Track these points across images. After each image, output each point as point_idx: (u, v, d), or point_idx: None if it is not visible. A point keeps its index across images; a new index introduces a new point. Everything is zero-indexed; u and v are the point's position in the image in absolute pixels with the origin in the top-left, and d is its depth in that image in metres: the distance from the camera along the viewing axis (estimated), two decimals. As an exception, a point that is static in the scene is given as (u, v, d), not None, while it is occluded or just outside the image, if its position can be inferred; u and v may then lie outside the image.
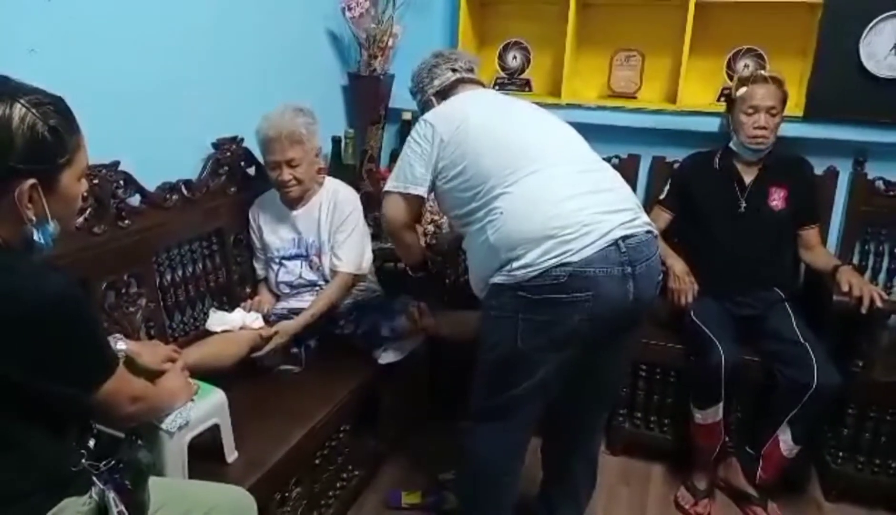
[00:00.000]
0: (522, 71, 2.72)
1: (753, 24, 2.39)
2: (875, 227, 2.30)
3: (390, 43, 2.46)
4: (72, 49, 1.52)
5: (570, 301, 1.37)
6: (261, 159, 2.02)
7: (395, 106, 2.59)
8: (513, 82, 2.71)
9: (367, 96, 2.53)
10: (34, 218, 0.98)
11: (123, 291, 1.67)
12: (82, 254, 1.55)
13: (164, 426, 1.29)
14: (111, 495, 1.06)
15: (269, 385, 1.81)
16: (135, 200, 1.73)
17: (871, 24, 2.14)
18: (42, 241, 1.00)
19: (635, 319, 1.54)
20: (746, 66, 2.41)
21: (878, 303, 1.87)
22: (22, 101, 0.94)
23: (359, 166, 2.50)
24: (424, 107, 1.79)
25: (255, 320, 1.84)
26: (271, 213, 2.07)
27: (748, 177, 2.16)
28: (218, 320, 1.81)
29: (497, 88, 2.69)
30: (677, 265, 2.11)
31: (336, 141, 2.43)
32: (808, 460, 2.11)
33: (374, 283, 2.21)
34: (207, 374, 1.52)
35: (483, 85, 1.84)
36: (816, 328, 1.99)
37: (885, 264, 2.31)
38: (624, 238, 1.40)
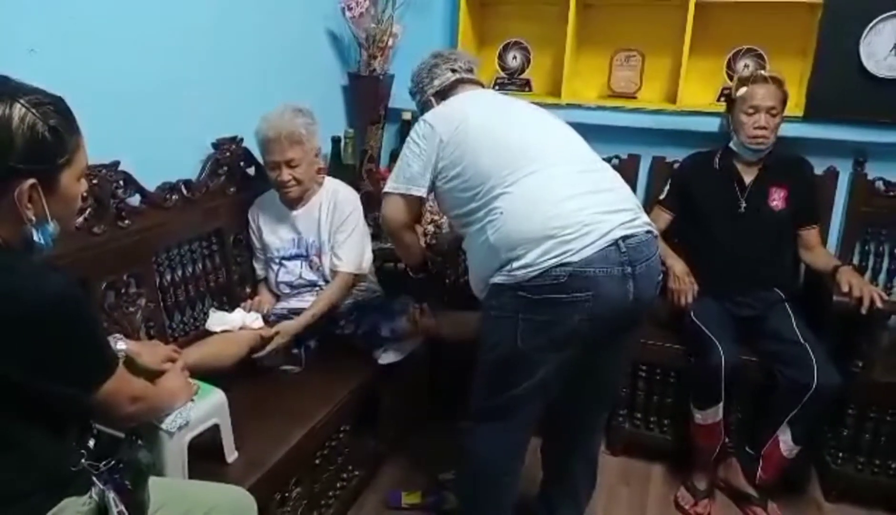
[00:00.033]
0: (522, 71, 2.72)
1: (753, 24, 2.39)
2: (875, 227, 2.30)
3: (390, 43, 2.46)
4: (72, 49, 1.52)
5: (570, 301, 1.37)
6: (260, 160, 2.02)
7: (394, 106, 2.59)
8: (513, 82, 2.71)
9: (367, 96, 2.53)
10: (34, 218, 0.98)
11: (123, 291, 1.67)
12: (82, 254, 1.55)
13: (164, 426, 1.29)
14: (111, 495, 1.06)
15: (269, 385, 1.81)
16: (135, 200, 1.73)
17: (871, 25, 2.14)
18: (42, 241, 1.00)
19: (635, 319, 1.54)
20: (746, 66, 2.41)
21: (878, 303, 1.87)
22: (22, 101, 0.94)
23: (359, 166, 2.50)
24: (424, 107, 1.79)
25: (254, 321, 1.84)
26: (271, 213, 2.07)
27: (748, 177, 2.16)
28: (218, 320, 1.81)
29: (497, 88, 2.69)
30: (677, 266, 2.11)
31: (336, 141, 2.43)
32: (808, 460, 2.11)
33: (374, 283, 2.21)
34: (207, 374, 1.52)
35: (482, 85, 1.84)
36: (816, 329, 1.99)
37: (885, 265, 2.31)
38: (624, 238, 1.40)
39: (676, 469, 2.20)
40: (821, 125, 2.25)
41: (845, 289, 1.91)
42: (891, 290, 2.29)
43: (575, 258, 1.36)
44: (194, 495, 1.22)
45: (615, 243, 1.39)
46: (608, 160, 2.24)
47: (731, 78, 2.39)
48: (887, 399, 1.97)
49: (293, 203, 2.03)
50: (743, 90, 2.11)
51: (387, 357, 1.98)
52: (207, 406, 1.40)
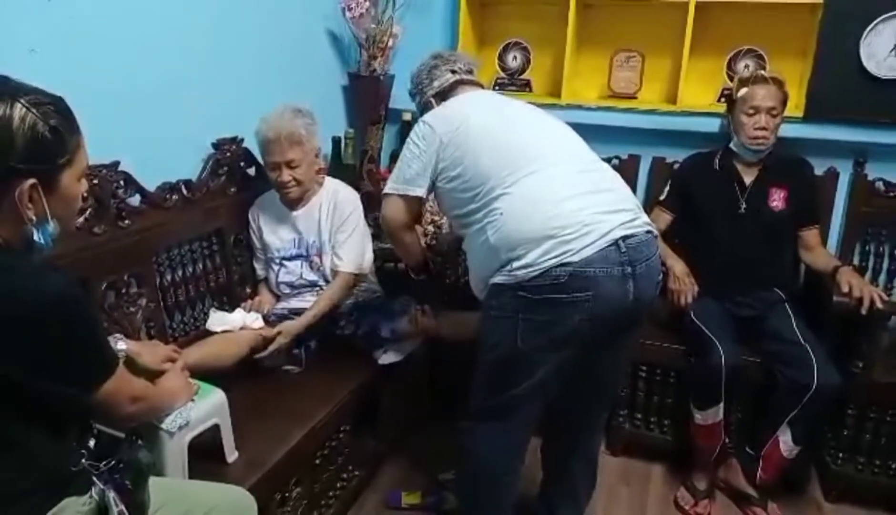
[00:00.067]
0: (523, 71, 2.72)
1: (754, 25, 2.39)
2: (875, 228, 2.30)
3: (390, 43, 2.46)
4: (72, 49, 1.52)
5: (570, 301, 1.38)
6: (261, 160, 2.02)
7: (395, 106, 2.58)
8: (513, 83, 2.71)
9: (367, 96, 2.53)
10: (34, 218, 0.98)
11: (123, 291, 1.67)
12: (82, 254, 1.55)
13: (164, 426, 1.29)
14: (111, 495, 1.06)
15: (269, 385, 1.81)
16: (135, 200, 1.73)
17: (871, 25, 2.14)
18: (42, 241, 1.00)
19: (635, 319, 1.54)
20: (747, 66, 2.41)
21: (879, 304, 1.87)
22: (22, 101, 0.94)
23: (359, 166, 2.50)
24: (424, 108, 1.79)
25: (255, 321, 1.84)
26: (271, 213, 2.07)
27: (748, 178, 2.16)
28: (218, 320, 1.81)
29: (497, 88, 2.69)
30: (677, 266, 2.11)
31: (336, 141, 2.43)
32: (808, 460, 2.11)
33: (374, 283, 2.21)
34: (207, 374, 1.52)
35: (482, 86, 1.84)
36: (816, 329, 1.99)
37: (885, 265, 2.31)
38: (624, 238, 1.40)
39: (676, 470, 2.20)
40: (821, 126, 2.25)
41: (845, 289, 1.92)
42: (891, 290, 2.29)
43: (575, 258, 1.36)
44: (194, 495, 1.22)
45: (615, 243, 1.39)
46: (608, 161, 2.24)
47: (731, 78, 2.39)
48: (887, 400, 1.97)
49: (293, 203, 2.03)
50: (743, 91, 2.11)
51: (387, 358, 1.98)
52: (208, 406, 1.40)
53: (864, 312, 1.87)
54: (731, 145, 2.19)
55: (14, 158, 0.93)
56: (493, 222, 1.45)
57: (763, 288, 2.12)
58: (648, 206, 2.30)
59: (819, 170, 2.27)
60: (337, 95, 2.61)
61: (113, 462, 1.09)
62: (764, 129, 2.07)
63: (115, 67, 1.63)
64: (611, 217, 1.41)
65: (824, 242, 2.25)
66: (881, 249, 2.31)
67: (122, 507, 1.06)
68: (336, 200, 2.04)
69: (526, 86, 2.70)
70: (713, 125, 2.36)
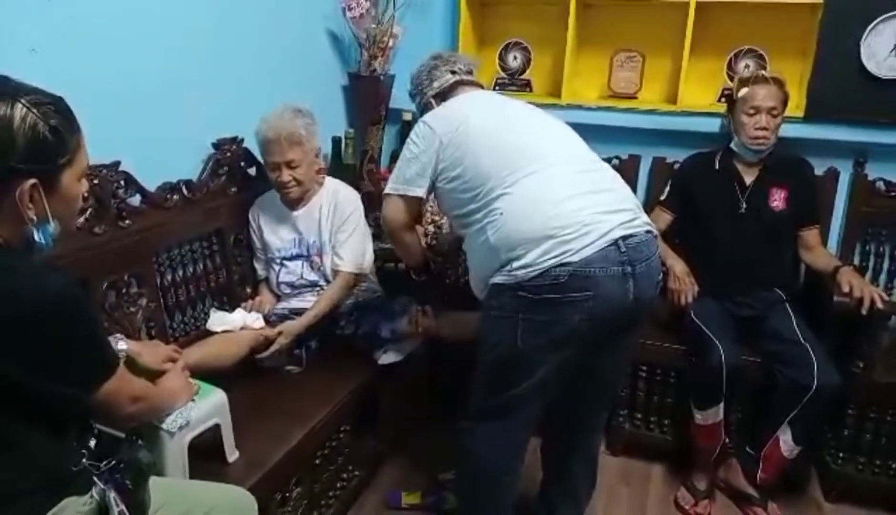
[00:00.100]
0: (523, 71, 2.72)
1: (754, 25, 2.39)
2: (875, 228, 2.30)
3: (390, 43, 2.46)
4: (72, 49, 1.52)
5: (570, 301, 1.38)
6: (261, 160, 2.02)
7: (395, 106, 2.58)
8: (513, 83, 2.71)
9: (367, 96, 2.53)
10: (35, 218, 0.98)
11: (124, 291, 1.67)
12: (82, 254, 1.55)
13: (164, 426, 1.29)
14: (112, 495, 1.06)
15: (269, 385, 1.81)
16: (135, 200, 1.73)
17: (871, 25, 2.14)
18: (42, 241, 1.00)
19: (635, 319, 1.54)
20: (747, 66, 2.41)
21: (879, 304, 1.87)
22: (23, 101, 0.94)
23: (359, 166, 2.50)
24: (424, 109, 1.79)
25: (255, 321, 1.84)
26: (272, 213, 2.07)
27: (749, 178, 2.16)
28: (218, 320, 1.81)
29: (497, 88, 2.69)
30: (677, 266, 2.11)
31: (336, 141, 2.43)
32: (808, 460, 2.11)
33: (374, 283, 2.21)
34: (208, 374, 1.52)
35: (482, 87, 1.84)
36: (817, 329, 1.99)
37: (885, 265, 2.32)
38: (624, 238, 1.40)
39: (676, 470, 2.20)
40: (821, 126, 2.25)
41: (846, 289, 1.91)
42: (891, 290, 2.29)
43: (575, 258, 1.36)
44: (195, 495, 1.22)
45: (615, 242, 1.39)
46: (608, 161, 2.24)
47: (731, 78, 2.39)
48: (887, 400, 1.97)
49: (294, 203, 2.03)
50: (744, 91, 2.11)
51: (387, 358, 1.98)
52: (208, 406, 1.40)
53: (864, 312, 1.87)
54: (732, 145, 2.19)
55: (14, 158, 0.93)
56: (493, 222, 1.45)
57: (763, 288, 2.12)
58: (649, 206, 2.30)
59: (819, 170, 2.27)
60: (337, 95, 2.61)
61: (113, 462, 1.09)
62: (764, 129, 2.07)
63: (115, 66, 1.63)
64: (610, 217, 1.41)
65: (824, 242, 2.25)
66: (881, 249, 2.31)
67: (123, 507, 1.06)
68: (336, 200, 2.04)
69: (526, 86, 2.70)
70: (713, 125, 2.36)
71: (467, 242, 1.60)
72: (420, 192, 1.63)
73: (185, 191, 1.87)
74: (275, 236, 2.06)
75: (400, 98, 2.44)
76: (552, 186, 1.45)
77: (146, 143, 1.74)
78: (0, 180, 0.94)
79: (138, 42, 1.69)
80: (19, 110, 0.93)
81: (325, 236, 2.02)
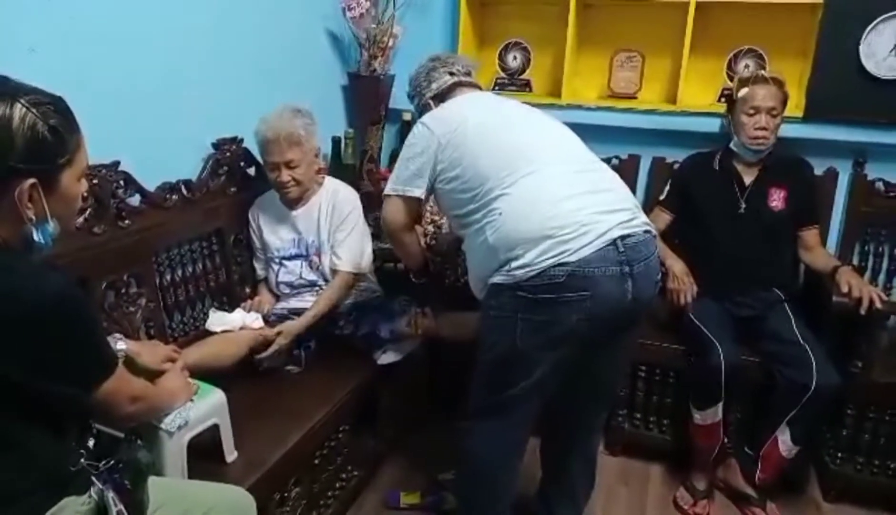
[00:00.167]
0: (523, 71, 2.72)
1: (754, 25, 2.39)
2: (875, 228, 2.30)
3: (390, 43, 2.46)
4: (72, 49, 1.52)
5: (568, 301, 1.38)
6: (260, 159, 2.02)
7: (395, 106, 2.58)
8: (513, 83, 2.71)
9: (367, 96, 2.53)
10: (34, 218, 0.98)
11: (123, 291, 1.67)
12: (82, 254, 1.55)
13: (163, 425, 1.29)
14: (110, 494, 1.06)
15: (268, 385, 1.81)
16: (135, 200, 1.73)
17: (871, 25, 2.14)
18: (42, 241, 1.00)
19: (634, 319, 1.54)
20: (747, 66, 2.41)
21: (878, 304, 1.87)
22: (22, 100, 0.94)
23: (359, 166, 2.50)
24: (422, 110, 1.79)
25: (255, 321, 1.85)
26: (271, 213, 2.07)
27: (748, 178, 2.16)
28: (218, 320, 1.81)
29: (497, 88, 2.69)
30: (676, 266, 2.11)
31: (336, 141, 2.43)
32: (807, 460, 2.12)
33: (374, 283, 2.21)
34: (207, 374, 1.52)
35: (480, 88, 1.84)
36: (816, 329, 1.99)
37: (884, 265, 2.32)
38: (622, 238, 1.40)
39: (675, 470, 2.20)
40: (821, 126, 2.25)
41: (845, 289, 1.92)
42: (890, 290, 2.29)
43: (573, 258, 1.36)
44: (193, 495, 1.22)
45: (613, 242, 1.39)
46: (608, 161, 2.24)
47: (731, 78, 2.39)
48: (886, 400, 1.97)
49: (293, 203, 2.03)
50: (744, 91, 2.11)
51: (386, 358, 1.99)
52: (207, 406, 1.40)
53: (863, 312, 1.87)
54: (731, 145, 2.19)
55: (14, 158, 0.93)
56: (492, 222, 1.46)
57: (762, 288, 2.12)
58: (648, 206, 2.30)
59: (819, 170, 2.27)
60: (337, 95, 2.62)
61: (112, 462, 1.10)
62: (764, 129, 2.07)
63: (114, 66, 1.63)
64: (609, 217, 1.41)
65: (824, 242, 2.25)
66: (881, 249, 2.31)
67: (122, 507, 1.06)
68: (335, 199, 2.04)
69: (526, 86, 2.70)
70: (713, 125, 2.36)
71: (466, 242, 1.60)
72: (419, 192, 1.63)
73: (184, 191, 1.88)
74: (274, 235, 2.06)
75: (400, 98, 2.44)
76: (550, 187, 1.45)
77: (146, 143, 1.74)
78: (-1, 180, 0.94)
79: (138, 42, 1.70)
80: (18, 110, 0.93)
81: (324, 236, 2.02)
